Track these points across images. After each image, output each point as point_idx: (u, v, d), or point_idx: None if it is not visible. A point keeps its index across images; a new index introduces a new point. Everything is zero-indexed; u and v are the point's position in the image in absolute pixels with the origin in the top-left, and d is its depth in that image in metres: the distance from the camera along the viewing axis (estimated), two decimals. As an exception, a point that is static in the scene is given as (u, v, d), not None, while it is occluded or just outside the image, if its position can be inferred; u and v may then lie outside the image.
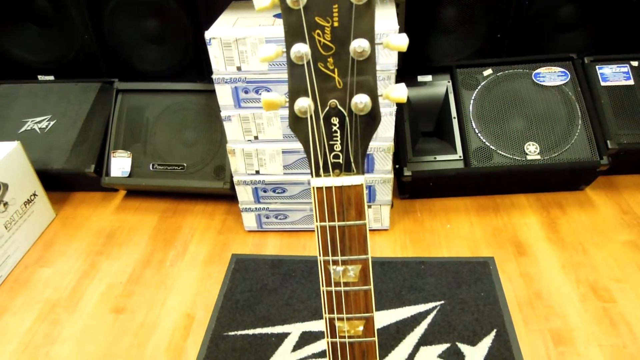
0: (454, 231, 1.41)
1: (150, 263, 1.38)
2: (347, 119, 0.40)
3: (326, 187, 0.39)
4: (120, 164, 1.52)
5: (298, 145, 1.27)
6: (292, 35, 0.39)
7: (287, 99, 0.41)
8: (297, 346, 1.14)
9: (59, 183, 1.63)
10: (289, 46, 0.40)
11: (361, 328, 0.40)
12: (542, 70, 1.48)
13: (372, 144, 1.25)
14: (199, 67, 1.67)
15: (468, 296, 1.22)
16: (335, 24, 0.37)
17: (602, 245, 1.32)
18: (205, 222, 1.52)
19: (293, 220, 1.42)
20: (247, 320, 1.20)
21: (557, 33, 1.59)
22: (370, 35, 0.40)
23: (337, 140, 0.40)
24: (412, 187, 1.49)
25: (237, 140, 1.28)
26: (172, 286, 1.31)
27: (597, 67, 1.49)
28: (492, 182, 1.47)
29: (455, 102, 1.49)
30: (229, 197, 1.55)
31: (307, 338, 1.16)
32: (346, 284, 0.40)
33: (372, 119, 0.42)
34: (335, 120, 0.40)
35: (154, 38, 1.66)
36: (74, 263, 1.40)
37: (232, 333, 1.17)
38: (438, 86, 1.54)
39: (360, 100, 0.40)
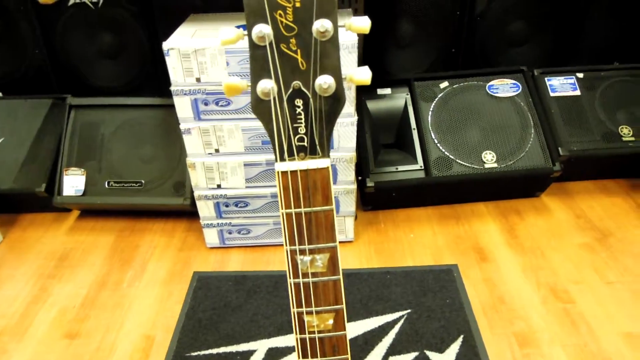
0: (417, 240, 1.42)
1: (106, 285, 1.32)
2: (311, 100, 0.39)
3: (291, 172, 0.38)
4: (73, 182, 1.46)
5: (260, 158, 1.26)
6: (254, 16, 0.38)
7: (249, 83, 0.40)
8: (264, 363, 1.10)
9: (7, 204, 1.54)
10: (250, 27, 0.39)
11: (331, 322, 0.39)
12: (496, 82, 1.54)
13: (334, 155, 1.25)
14: (156, 82, 1.64)
15: (434, 304, 1.22)
16: (297, 4, 0.37)
17: (559, 248, 1.36)
18: (165, 240, 1.47)
19: (256, 234, 1.39)
20: (210, 339, 1.16)
21: (508, 47, 1.66)
22: (333, 16, 0.39)
23: (301, 123, 0.39)
24: (375, 198, 1.49)
25: (197, 153, 1.25)
26: (130, 308, 1.25)
27: (545, 78, 1.56)
28: (452, 191, 1.50)
29: (414, 113, 1.52)
30: (190, 213, 1.50)
31: (273, 354, 1.12)
32: (314, 275, 0.38)
33: (336, 100, 0.41)
34: (299, 103, 0.39)
35: (109, 53, 1.62)
36: (23, 288, 1.31)
37: (195, 353, 1.12)
38: (397, 99, 1.57)
39: (325, 81, 0.40)
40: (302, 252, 0.39)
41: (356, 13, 1.62)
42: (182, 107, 1.18)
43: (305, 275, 0.39)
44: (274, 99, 0.38)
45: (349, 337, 1.13)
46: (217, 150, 1.24)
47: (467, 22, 1.61)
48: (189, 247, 1.43)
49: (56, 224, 1.55)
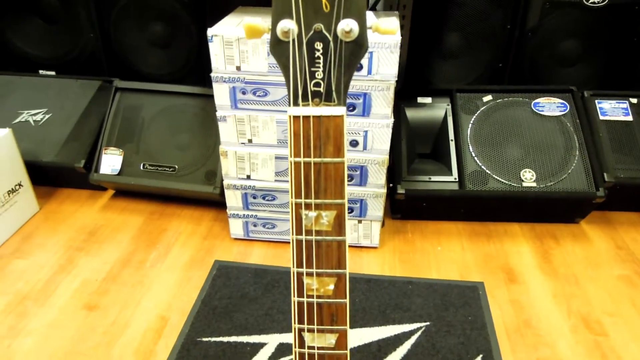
0: (444, 254, 1.37)
1: (129, 262, 1.34)
2: (331, 44, 0.38)
3: (304, 117, 0.36)
4: (110, 162, 1.50)
5: (292, 152, 1.25)
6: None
7: (271, 27, 0.39)
8: (273, 357, 1.09)
9: (48, 177, 1.60)
10: (275, -34, 0.38)
11: (332, 287, 0.37)
12: (542, 100, 1.48)
13: (366, 156, 1.24)
14: (200, 73, 1.68)
15: (455, 319, 1.17)
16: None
17: (596, 278, 1.29)
18: (192, 227, 1.48)
19: (281, 230, 1.39)
20: (222, 327, 1.15)
21: (558, 66, 1.60)
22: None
23: (319, 67, 0.38)
24: (404, 207, 1.46)
25: (231, 142, 1.26)
26: (150, 287, 1.26)
27: (596, 101, 1.50)
28: (486, 207, 1.44)
29: (454, 125, 1.48)
30: (218, 204, 1.51)
31: (284, 350, 1.10)
32: (318, 233, 0.37)
33: (358, 46, 0.39)
34: (319, 46, 0.38)
35: (159, 42, 1.67)
36: (51, 257, 1.35)
37: (206, 339, 1.12)
38: (437, 109, 1.54)
39: (348, 25, 0.38)
40: (308, 206, 0.38)
41: (403, 20, 1.61)
42: (221, 94, 1.19)
43: (309, 232, 0.37)
44: (294, 40, 0.37)
45: (362, 342, 1.10)
46: (250, 141, 1.25)
47: (517, 37, 1.57)
48: (214, 236, 1.44)
49: (91, 200, 1.60)
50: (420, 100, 1.55)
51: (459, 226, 1.48)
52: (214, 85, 1.18)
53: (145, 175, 1.48)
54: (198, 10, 1.61)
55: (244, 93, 1.19)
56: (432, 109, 1.54)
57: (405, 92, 1.55)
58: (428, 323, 1.16)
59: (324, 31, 0.37)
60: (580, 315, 1.18)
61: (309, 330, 0.38)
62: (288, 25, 0.37)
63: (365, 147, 1.22)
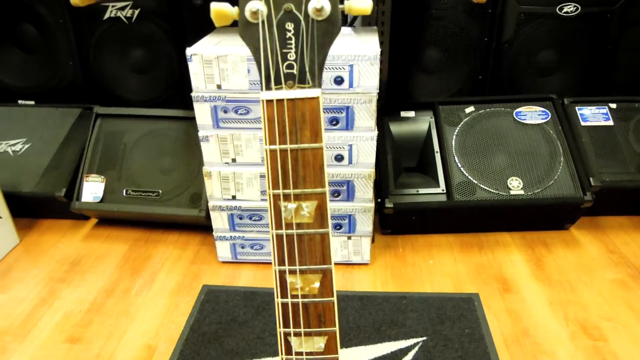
0: (436, 267, 1.35)
1: (114, 292, 1.29)
2: (303, 24, 0.36)
3: (277, 101, 0.35)
4: (92, 189, 1.46)
5: (277, 169, 1.24)
6: None
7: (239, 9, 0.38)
8: (266, 382, 1.04)
9: (28, 208, 1.56)
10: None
11: (317, 285, 0.34)
12: (523, 109, 1.49)
13: (352, 170, 1.22)
14: (182, 99, 1.67)
15: (452, 333, 1.14)
16: None
17: (590, 283, 1.27)
18: (178, 252, 1.44)
19: (269, 251, 1.35)
20: (212, 353, 1.11)
21: (537, 76, 1.62)
22: None
23: (291, 49, 0.36)
24: (394, 222, 1.44)
25: (214, 162, 1.24)
26: (135, 316, 1.21)
27: (576, 107, 1.51)
28: (475, 218, 1.43)
29: (438, 137, 1.48)
30: (204, 227, 1.48)
31: (277, 374, 1.06)
32: (299, 226, 0.34)
33: (331, 25, 0.38)
34: (290, 26, 0.36)
35: (140, 68, 1.66)
36: (32, 290, 1.30)
37: (196, 366, 1.07)
38: (421, 122, 1.54)
39: (319, 3, 0.36)
40: (287, 198, 0.35)
41: (382, 36, 1.63)
42: (202, 113, 1.18)
43: (289, 226, 0.35)
44: (263, 22, 0.36)
45: (358, 360, 1.06)
46: (233, 160, 1.23)
47: (494, 49, 1.59)
48: (201, 261, 1.40)
49: (73, 230, 1.55)
50: (403, 114, 1.55)
51: (450, 238, 1.47)
52: (195, 104, 1.17)
53: (128, 202, 1.45)
54: (178, 35, 1.60)
55: (225, 112, 1.17)
56: (416, 123, 1.54)
57: (388, 107, 1.55)
58: (425, 338, 1.13)
59: (295, 11, 0.36)
60: (578, 321, 1.16)
61: (296, 334, 0.35)
62: (257, 5, 0.36)
63: (350, 162, 1.21)
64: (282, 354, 0.36)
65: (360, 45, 1.12)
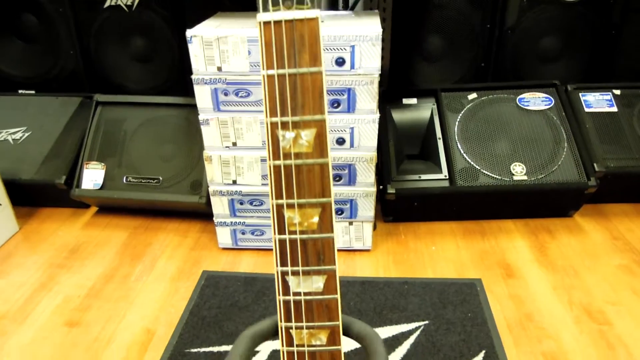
0: (439, 253, 1.34)
1: (113, 277, 1.28)
2: None
3: (275, 22, 0.33)
4: (92, 176, 1.46)
5: (277, 153, 1.23)
6: None
7: None
8: (266, 364, 1.03)
9: (28, 196, 1.55)
10: None
11: (316, 219, 0.33)
12: (526, 95, 1.48)
13: (354, 154, 1.21)
14: (183, 87, 1.66)
15: (454, 317, 1.13)
16: None
17: (595, 269, 1.26)
18: (178, 239, 1.43)
19: (270, 237, 1.34)
20: (212, 337, 1.09)
21: (540, 63, 1.61)
22: None
23: None
24: (396, 208, 1.43)
25: (215, 146, 1.23)
26: (134, 301, 1.20)
27: (580, 94, 1.50)
28: (478, 204, 1.42)
29: (440, 123, 1.47)
30: (205, 215, 1.47)
31: (277, 357, 1.05)
32: (298, 156, 0.33)
33: None
34: None
35: (140, 56, 1.66)
36: (32, 275, 1.29)
37: (195, 350, 1.06)
38: (423, 109, 1.53)
39: None
40: (285, 126, 0.34)
41: (384, 22, 1.62)
42: (202, 96, 1.17)
43: (287, 156, 0.34)
44: None
45: (359, 344, 1.05)
46: (234, 144, 1.22)
47: (497, 37, 1.58)
48: (201, 247, 1.39)
49: (73, 218, 1.54)
50: (405, 101, 1.54)
51: (452, 225, 1.45)
52: (195, 87, 1.16)
53: (128, 188, 1.44)
54: (178, 22, 1.60)
55: (226, 94, 1.17)
56: (418, 110, 1.53)
57: (390, 94, 1.54)
58: (427, 322, 1.12)
59: None
60: (582, 306, 1.14)
61: (293, 273, 0.34)
62: None
63: (352, 145, 1.20)
64: (279, 295, 0.35)
65: (361, 26, 1.11)
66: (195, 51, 1.12)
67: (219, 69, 1.14)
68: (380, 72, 1.12)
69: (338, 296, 0.35)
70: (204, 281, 1.26)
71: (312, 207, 0.33)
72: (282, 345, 0.37)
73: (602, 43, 1.57)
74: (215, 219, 1.33)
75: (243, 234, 1.34)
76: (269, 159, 0.33)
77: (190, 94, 1.45)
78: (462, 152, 1.41)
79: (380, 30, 1.08)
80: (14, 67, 1.72)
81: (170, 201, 1.41)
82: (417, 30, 1.60)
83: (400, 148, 1.48)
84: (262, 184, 1.27)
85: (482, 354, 1.03)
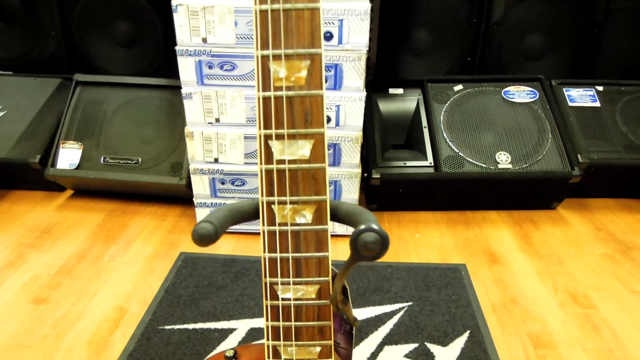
0: (423, 240, 1.32)
1: (85, 257, 1.23)
2: None
3: None
4: (68, 156, 1.41)
5: (261, 131, 1.20)
6: None
7: None
8: (243, 342, 0.99)
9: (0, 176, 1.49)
10: None
11: (304, 74, 0.30)
12: (512, 88, 1.49)
13: (339, 133, 1.19)
14: (167, 73, 1.63)
15: (438, 299, 1.10)
16: None
17: (578, 257, 1.25)
18: (156, 222, 1.39)
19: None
20: (188, 314, 1.05)
21: (525, 60, 1.63)
22: None
23: None
24: (380, 195, 1.41)
25: (197, 122, 1.20)
26: (107, 280, 1.15)
27: (564, 89, 1.51)
28: (463, 192, 1.41)
29: (426, 113, 1.46)
30: (184, 200, 1.43)
31: (255, 334, 1.01)
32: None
33: None
34: None
35: (124, 40, 1.63)
36: (-2, 254, 1.23)
37: (169, 327, 1.01)
38: (409, 100, 1.52)
39: None
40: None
41: (372, 12, 1.62)
42: (186, 69, 1.15)
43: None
44: None
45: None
46: (217, 120, 1.19)
47: (483, 31, 1.59)
48: (179, 231, 1.35)
49: (46, 200, 1.49)
50: (392, 91, 1.53)
51: (436, 215, 1.44)
52: (179, 59, 1.14)
53: (106, 169, 1.39)
54: (163, 6, 1.58)
55: (210, 67, 1.14)
56: (404, 101, 1.53)
57: (377, 84, 1.54)
58: (410, 303, 1.09)
59: None
60: (567, 291, 1.13)
61: (277, 137, 0.31)
62: None
63: (337, 124, 1.18)
64: (261, 164, 0.32)
65: (350, 0, 1.10)
66: (180, 21, 1.10)
67: (204, 40, 1.12)
68: (368, 49, 1.11)
69: (325, 165, 0.32)
70: (181, 262, 1.22)
71: (300, 59, 0.30)
72: (263, 225, 0.34)
73: (586, 41, 1.60)
74: (195, 200, 1.29)
75: (223, 216, 1.30)
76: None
77: (174, 76, 1.43)
78: (447, 140, 1.40)
79: (369, 5, 1.08)
80: (-8, 47, 1.67)
81: (149, 182, 1.36)
82: (404, 24, 1.60)
83: (385, 137, 1.47)
84: (245, 163, 1.24)
85: (466, 334, 1.00)
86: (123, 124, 1.44)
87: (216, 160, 1.23)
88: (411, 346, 0.97)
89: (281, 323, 0.35)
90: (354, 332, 0.38)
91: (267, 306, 0.35)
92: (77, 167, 1.40)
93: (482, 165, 1.36)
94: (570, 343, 0.98)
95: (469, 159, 1.37)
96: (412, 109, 1.51)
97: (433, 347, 0.97)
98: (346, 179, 1.24)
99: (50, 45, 1.66)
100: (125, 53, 1.65)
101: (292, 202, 0.32)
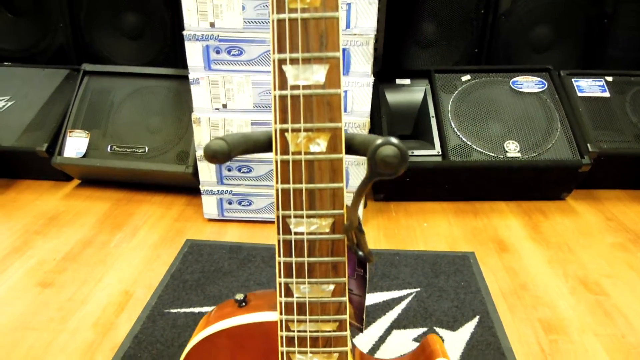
0: (431, 229, 1.30)
1: (91, 244, 1.22)
2: None
3: None
4: (75, 144, 1.41)
5: (268, 117, 1.20)
6: None
7: None
8: (250, 325, 0.97)
9: (7, 165, 1.50)
10: None
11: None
12: (520, 78, 1.48)
13: (347, 119, 1.18)
14: (174, 65, 1.63)
15: (447, 285, 1.09)
16: None
17: (589, 245, 1.23)
18: (162, 210, 1.38)
19: (257, 207, 1.30)
20: (193, 298, 1.04)
21: (532, 52, 1.62)
22: None
23: None
24: (387, 184, 1.40)
25: (204, 108, 1.20)
26: (113, 265, 1.14)
27: (572, 79, 1.50)
28: (471, 182, 1.39)
29: (434, 103, 1.45)
30: (190, 189, 1.42)
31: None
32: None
33: None
34: None
35: (132, 32, 1.63)
36: (4, 241, 1.23)
37: (175, 310, 1.00)
38: (416, 91, 1.51)
39: None
40: None
41: (379, 13, 1.62)
42: (193, 53, 1.14)
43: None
44: None
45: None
46: (224, 106, 1.19)
47: (491, 23, 1.58)
48: (186, 219, 1.34)
49: (53, 190, 1.49)
50: (399, 81, 1.53)
51: (444, 205, 1.42)
52: (187, 44, 1.14)
53: (112, 157, 1.39)
54: (172, -2, 1.58)
55: (217, 52, 1.14)
56: (411, 91, 1.52)
57: (384, 75, 1.53)
58: (419, 289, 1.07)
59: None
60: (578, 278, 1.11)
61: (292, 61, 0.30)
62: None
63: (345, 109, 1.17)
64: (275, 89, 0.31)
65: (357, 18, 1.10)
66: (188, 5, 1.10)
67: (212, 24, 1.11)
68: (375, 33, 1.11)
69: (340, 91, 0.31)
70: (187, 248, 1.21)
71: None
72: (276, 154, 0.33)
73: (595, 32, 1.58)
74: (202, 187, 1.29)
75: (230, 203, 1.30)
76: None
77: (181, 68, 1.43)
78: (455, 130, 1.39)
79: (375, 23, 1.07)
80: (2, 40, 1.68)
81: (155, 170, 1.36)
82: (411, 16, 1.60)
83: (392, 128, 1.46)
84: (252, 150, 1.23)
85: (476, 319, 0.98)
86: (130, 113, 1.44)
87: (223, 147, 1.22)
88: (420, 330, 0.96)
89: (294, 259, 0.34)
90: (367, 276, 0.37)
91: (279, 241, 0.34)
92: (84, 156, 1.40)
93: (491, 154, 1.35)
94: (582, 328, 0.96)
95: (478, 148, 1.36)
96: (420, 100, 1.50)
97: (442, 332, 0.96)
98: (353, 165, 1.23)
99: (58, 37, 1.66)
100: (133, 45, 1.65)
101: (306, 130, 0.31)
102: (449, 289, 1.07)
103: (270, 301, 0.42)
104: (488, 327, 0.96)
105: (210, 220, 1.33)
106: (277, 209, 0.33)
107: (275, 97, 0.32)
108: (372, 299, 1.05)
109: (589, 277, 1.11)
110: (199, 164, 1.26)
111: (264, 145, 0.34)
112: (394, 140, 0.30)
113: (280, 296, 0.35)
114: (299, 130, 0.31)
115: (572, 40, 1.60)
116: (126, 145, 1.40)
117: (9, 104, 1.52)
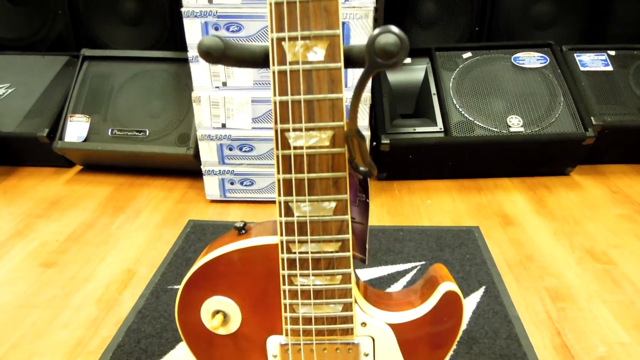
0: (434, 206, 1.30)
1: (94, 226, 1.22)
2: None
3: None
4: (76, 129, 1.40)
5: (269, 94, 1.19)
6: None
7: None
8: (254, 299, 0.97)
9: (8, 151, 1.49)
10: None
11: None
12: (521, 54, 1.47)
13: (348, 94, 1.17)
14: (173, 50, 1.62)
15: (452, 258, 1.08)
16: None
17: (595, 217, 1.22)
18: (164, 193, 1.38)
19: (260, 187, 1.29)
20: (198, 276, 1.03)
21: (534, 29, 1.60)
22: None
23: None
24: (390, 162, 1.39)
25: (204, 86, 1.19)
26: (116, 245, 1.14)
27: (575, 54, 1.49)
28: (474, 157, 1.38)
29: (435, 80, 1.44)
30: (192, 173, 1.42)
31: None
32: None
33: None
34: None
35: (131, 18, 1.63)
36: (7, 224, 1.23)
37: (178, 287, 0.99)
38: (417, 70, 1.50)
39: None
40: None
41: (378, -16, 1.61)
42: (192, 31, 1.14)
43: None
44: None
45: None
46: (224, 84, 1.18)
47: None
48: (188, 200, 1.34)
49: (55, 175, 1.48)
50: (399, 60, 1.51)
51: (447, 183, 1.41)
52: (185, 21, 1.13)
53: (113, 141, 1.39)
54: (170, -18, 1.57)
55: (216, 29, 1.13)
56: (412, 71, 1.50)
57: None
58: (423, 262, 1.07)
59: None
60: (584, 249, 1.10)
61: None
62: None
63: (346, 85, 1.16)
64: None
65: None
66: (185, -19, 1.09)
67: (210, 0, 1.11)
68: (375, 6, 1.10)
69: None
70: (189, 228, 1.20)
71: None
72: (273, 65, 0.32)
73: (596, 8, 1.57)
74: (203, 167, 1.28)
75: (232, 184, 1.29)
76: None
77: (180, 50, 1.42)
78: (457, 106, 1.38)
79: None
80: (1, 29, 1.68)
81: (156, 153, 1.36)
82: (411, -5, 1.59)
83: (394, 107, 1.45)
84: (253, 128, 1.22)
85: (482, 289, 0.97)
86: (130, 97, 1.43)
87: (223, 126, 1.22)
88: (425, 301, 0.95)
89: (293, 175, 0.33)
90: (368, 200, 0.37)
91: (278, 157, 0.34)
92: (85, 140, 1.39)
93: (494, 129, 1.33)
94: (590, 296, 0.95)
95: (480, 124, 1.34)
96: (421, 78, 1.49)
97: (448, 301, 0.95)
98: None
99: (57, 24, 1.66)
100: (132, 31, 1.65)
101: (303, 38, 0.30)
102: (454, 262, 1.06)
103: (271, 228, 0.41)
104: (494, 296, 0.95)
105: (213, 201, 1.33)
106: (276, 122, 0.33)
107: (271, 3, 0.31)
108: (377, 272, 1.04)
109: (595, 247, 1.10)
110: (200, 143, 1.25)
111: (260, 58, 0.34)
112: (393, 28, 0.29)
113: (280, 216, 0.34)
114: (296, 38, 0.30)
115: (574, 15, 1.58)
116: (127, 129, 1.39)
117: (9, 91, 1.52)
